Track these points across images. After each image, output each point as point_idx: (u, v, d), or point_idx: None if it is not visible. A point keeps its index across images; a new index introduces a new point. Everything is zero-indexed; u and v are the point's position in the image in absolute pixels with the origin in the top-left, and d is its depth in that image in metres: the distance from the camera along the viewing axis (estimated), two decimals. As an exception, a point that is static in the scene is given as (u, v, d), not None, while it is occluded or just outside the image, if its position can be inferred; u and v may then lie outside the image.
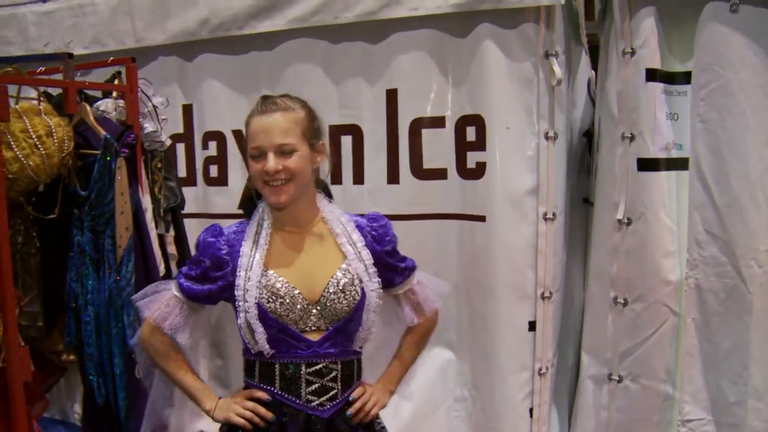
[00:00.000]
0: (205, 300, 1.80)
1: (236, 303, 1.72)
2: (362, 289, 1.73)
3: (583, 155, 2.86)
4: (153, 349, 1.84)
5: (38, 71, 2.63)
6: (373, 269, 1.75)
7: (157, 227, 2.62)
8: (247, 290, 1.70)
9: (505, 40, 2.52)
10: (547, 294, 2.57)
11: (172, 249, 2.75)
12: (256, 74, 2.95)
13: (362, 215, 1.84)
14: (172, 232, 2.76)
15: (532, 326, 2.59)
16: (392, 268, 1.82)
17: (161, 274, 2.54)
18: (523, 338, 2.60)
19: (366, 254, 1.76)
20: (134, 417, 2.25)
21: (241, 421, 1.74)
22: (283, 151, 1.67)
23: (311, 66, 2.85)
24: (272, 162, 1.66)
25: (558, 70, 2.47)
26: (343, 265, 1.74)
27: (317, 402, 1.74)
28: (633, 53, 2.38)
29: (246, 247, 1.75)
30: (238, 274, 1.72)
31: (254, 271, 1.71)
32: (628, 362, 2.48)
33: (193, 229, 3.02)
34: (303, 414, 1.74)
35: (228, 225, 1.82)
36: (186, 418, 3.15)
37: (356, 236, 1.77)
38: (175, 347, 1.85)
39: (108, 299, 2.20)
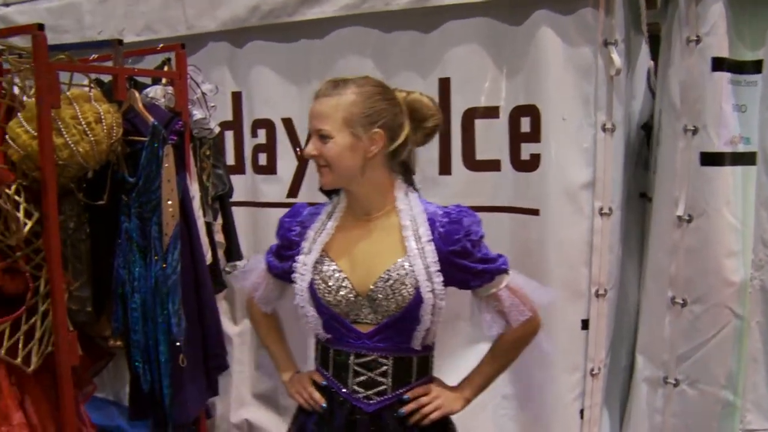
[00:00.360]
0: (284, 276, 1.83)
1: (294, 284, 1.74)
2: (417, 289, 1.65)
3: (641, 148, 2.74)
4: (250, 315, 1.99)
5: (91, 58, 2.65)
6: (435, 268, 1.65)
7: (204, 215, 2.62)
8: (303, 274, 1.70)
9: (562, 27, 2.42)
10: (601, 291, 2.48)
11: (219, 237, 2.76)
12: (307, 62, 2.92)
13: (446, 207, 1.74)
14: (219, 220, 2.76)
15: (585, 325, 2.51)
16: (464, 269, 1.68)
17: (208, 262, 2.54)
18: (576, 337, 2.51)
19: (429, 251, 1.65)
20: (178, 405, 2.25)
21: (300, 399, 1.80)
22: (321, 136, 1.64)
23: (362, 54, 2.79)
24: (309, 146, 1.67)
25: (617, 59, 2.36)
26: (400, 261, 1.66)
27: (363, 394, 1.71)
28: (698, 41, 2.26)
29: (312, 231, 1.75)
30: (297, 257, 1.73)
31: (311, 256, 1.71)
32: (686, 366, 2.37)
33: (241, 218, 3.03)
34: (348, 403, 1.72)
35: (318, 204, 1.84)
36: (231, 406, 3.20)
37: (423, 230, 1.67)
38: (268, 316, 1.95)
39: (154, 287, 2.19)
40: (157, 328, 2.20)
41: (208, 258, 2.57)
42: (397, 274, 1.65)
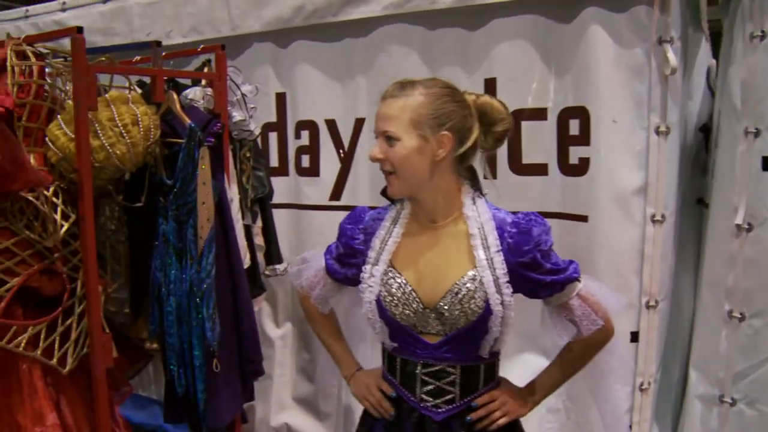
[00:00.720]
0: (344, 281, 1.82)
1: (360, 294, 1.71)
2: (486, 302, 1.59)
3: (699, 152, 2.60)
4: (305, 311, 1.95)
5: (134, 60, 2.67)
6: (504, 279, 1.59)
7: (243, 218, 2.59)
8: (370, 286, 1.67)
9: (613, 25, 2.31)
10: (652, 303, 2.36)
11: (259, 240, 2.73)
12: (351, 61, 2.88)
13: (515, 213, 1.67)
14: (259, 223, 2.74)
15: (634, 337, 2.39)
16: (533, 281, 1.63)
17: (246, 265, 2.51)
18: (625, 350, 2.39)
19: (498, 262, 1.60)
20: (212, 409, 2.23)
21: (366, 404, 1.79)
22: (388, 138, 1.59)
23: (406, 54, 2.73)
24: (375, 148, 1.62)
25: (672, 58, 2.23)
26: (470, 273, 1.60)
27: (432, 403, 1.68)
28: (763, 37, 2.12)
29: (378, 239, 1.71)
30: (364, 267, 1.70)
31: (378, 267, 1.67)
32: (744, 384, 2.23)
33: (284, 220, 3.01)
34: (417, 412, 1.70)
35: (379, 208, 1.80)
36: (272, 410, 3.18)
37: (492, 239, 1.62)
38: (325, 315, 1.92)
39: (189, 290, 2.18)
40: (191, 332, 2.18)
41: (247, 261, 2.55)
42: (467, 288, 1.60)
